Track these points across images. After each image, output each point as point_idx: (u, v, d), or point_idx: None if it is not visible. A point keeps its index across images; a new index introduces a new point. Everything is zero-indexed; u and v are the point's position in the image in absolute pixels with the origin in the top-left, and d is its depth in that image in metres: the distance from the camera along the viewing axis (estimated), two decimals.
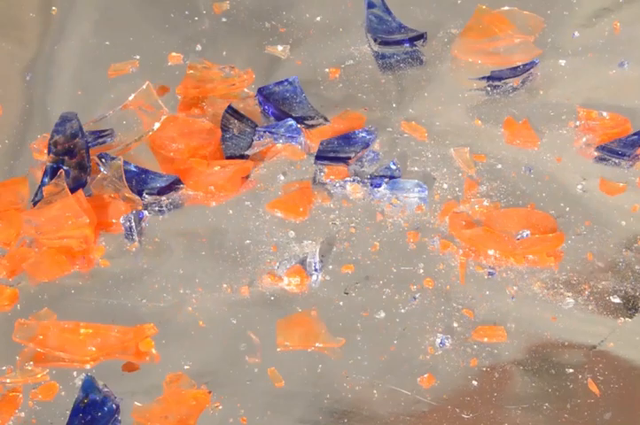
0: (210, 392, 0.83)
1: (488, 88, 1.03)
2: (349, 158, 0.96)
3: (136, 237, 0.92)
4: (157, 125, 0.99)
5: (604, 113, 0.99)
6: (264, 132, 0.98)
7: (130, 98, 1.00)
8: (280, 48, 1.07)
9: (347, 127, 0.99)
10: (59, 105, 1.02)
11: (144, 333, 0.86)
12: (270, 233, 0.92)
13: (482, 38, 1.05)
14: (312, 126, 0.99)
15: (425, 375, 0.84)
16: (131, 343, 0.85)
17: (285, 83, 1.02)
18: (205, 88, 1.02)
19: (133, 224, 0.92)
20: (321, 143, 0.97)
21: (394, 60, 1.05)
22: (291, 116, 0.99)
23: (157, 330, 0.86)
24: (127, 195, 0.93)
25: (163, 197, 0.95)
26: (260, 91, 1.01)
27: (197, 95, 1.02)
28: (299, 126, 0.98)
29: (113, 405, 0.82)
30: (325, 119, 1.00)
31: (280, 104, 1.01)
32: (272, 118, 1.01)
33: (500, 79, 1.02)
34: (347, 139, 0.98)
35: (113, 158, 0.95)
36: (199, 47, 1.07)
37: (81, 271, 0.91)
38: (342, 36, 1.07)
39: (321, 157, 0.96)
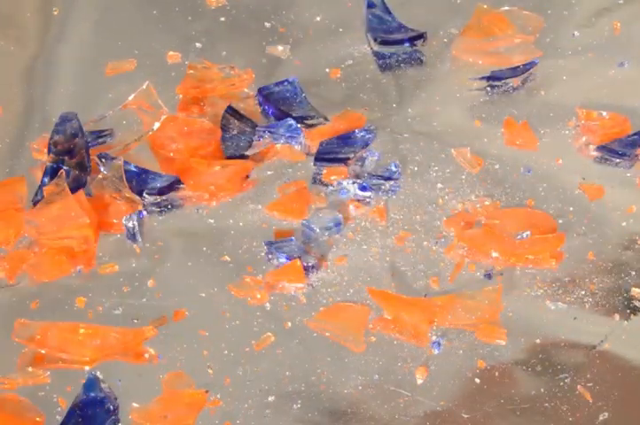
0: (207, 392, 0.83)
1: (488, 89, 1.02)
2: (349, 158, 0.96)
3: (138, 238, 0.92)
4: (157, 125, 0.99)
5: (604, 113, 0.99)
6: (264, 132, 0.98)
7: (130, 98, 1.00)
8: (280, 48, 1.06)
9: (347, 127, 0.99)
10: (59, 105, 1.02)
11: (144, 334, 0.86)
12: (270, 233, 0.92)
13: (482, 38, 1.05)
14: (312, 126, 0.99)
15: (425, 375, 0.84)
16: (131, 344, 0.85)
17: (285, 83, 1.02)
18: (205, 88, 1.02)
19: (135, 224, 0.92)
20: (320, 144, 0.97)
21: (394, 60, 1.05)
22: (291, 116, 0.99)
23: (157, 332, 0.86)
24: (127, 195, 0.93)
25: (163, 197, 0.95)
26: (260, 91, 1.01)
27: (197, 95, 1.02)
28: (299, 126, 0.98)
29: (112, 406, 0.82)
30: (325, 119, 1.00)
31: (280, 104, 1.01)
32: (272, 118, 1.01)
33: (500, 79, 1.02)
34: (346, 139, 0.98)
35: (113, 158, 0.95)
36: (198, 45, 1.07)
37: (81, 271, 0.91)
38: (342, 36, 1.07)
39: (320, 158, 0.96)
